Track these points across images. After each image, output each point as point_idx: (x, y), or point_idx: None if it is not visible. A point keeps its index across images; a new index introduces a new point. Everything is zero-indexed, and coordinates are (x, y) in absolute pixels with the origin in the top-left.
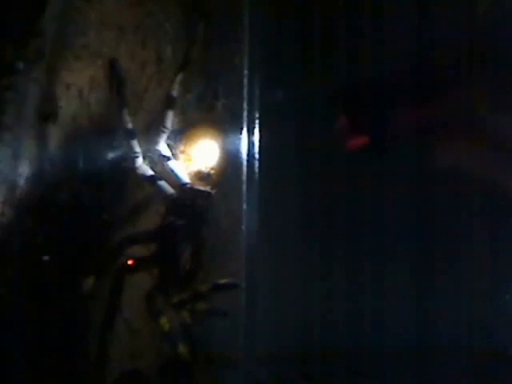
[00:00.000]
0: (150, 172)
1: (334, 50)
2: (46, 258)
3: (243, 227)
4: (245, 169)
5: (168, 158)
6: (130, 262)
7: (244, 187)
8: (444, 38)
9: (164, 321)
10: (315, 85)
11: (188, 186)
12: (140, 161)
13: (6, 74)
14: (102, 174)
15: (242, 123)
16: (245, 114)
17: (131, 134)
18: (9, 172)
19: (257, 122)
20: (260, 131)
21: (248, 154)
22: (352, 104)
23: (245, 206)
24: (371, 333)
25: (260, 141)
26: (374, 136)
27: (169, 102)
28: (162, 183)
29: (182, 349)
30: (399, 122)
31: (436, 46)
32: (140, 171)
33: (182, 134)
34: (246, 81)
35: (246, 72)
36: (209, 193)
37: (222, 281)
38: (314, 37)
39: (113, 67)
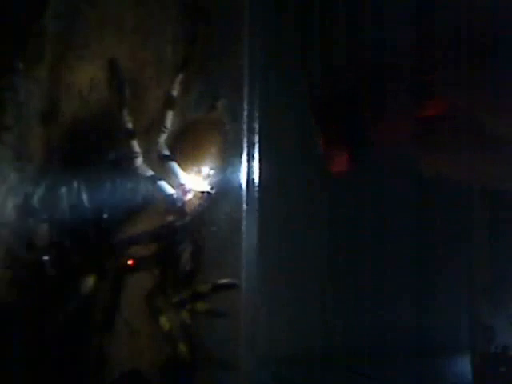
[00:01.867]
0: (150, 172)
1: (334, 50)
2: (45, 258)
3: (243, 227)
4: (245, 169)
5: (168, 158)
6: (130, 262)
7: (244, 187)
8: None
9: (164, 321)
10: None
11: (188, 186)
12: (140, 161)
13: (6, 73)
14: (102, 174)
15: (241, 123)
16: (245, 114)
17: (131, 134)
18: (8, 172)
19: (257, 122)
20: (260, 131)
21: (248, 154)
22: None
23: (245, 206)
24: (371, 333)
25: (260, 141)
26: (349, 146)
27: (169, 102)
28: (162, 183)
29: (182, 349)
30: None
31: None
32: (140, 171)
33: (182, 133)
34: (245, 81)
35: (245, 72)
36: (209, 193)
37: (222, 281)
38: (314, 37)
39: (113, 67)
